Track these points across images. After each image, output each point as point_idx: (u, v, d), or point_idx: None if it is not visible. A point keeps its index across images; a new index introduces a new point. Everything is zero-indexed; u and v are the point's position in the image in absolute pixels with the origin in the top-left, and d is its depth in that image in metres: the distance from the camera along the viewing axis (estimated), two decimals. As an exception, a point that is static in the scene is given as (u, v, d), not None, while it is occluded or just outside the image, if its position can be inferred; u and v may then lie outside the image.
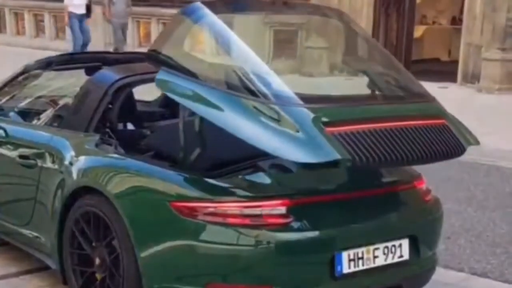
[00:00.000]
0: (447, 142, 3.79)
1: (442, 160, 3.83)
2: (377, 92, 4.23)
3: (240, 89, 3.59)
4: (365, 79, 4.22)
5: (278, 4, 4.91)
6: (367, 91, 4.13)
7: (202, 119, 3.80)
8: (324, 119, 3.45)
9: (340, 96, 3.99)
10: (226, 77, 3.74)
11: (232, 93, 3.57)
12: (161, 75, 3.74)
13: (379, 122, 3.60)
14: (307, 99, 3.59)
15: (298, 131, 3.38)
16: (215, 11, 3.91)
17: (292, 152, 3.35)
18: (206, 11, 3.88)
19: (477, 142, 4.02)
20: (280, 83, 3.64)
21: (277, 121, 3.42)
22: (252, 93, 3.55)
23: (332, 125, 3.43)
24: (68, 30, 18.12)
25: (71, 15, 16.53)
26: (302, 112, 3.48)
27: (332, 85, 4.53)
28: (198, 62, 3.95)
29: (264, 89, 3.56)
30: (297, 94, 3.57)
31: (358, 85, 4.20)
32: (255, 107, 3.48)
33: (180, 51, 4.00)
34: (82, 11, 16.65)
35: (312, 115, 3.45)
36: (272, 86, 3.59)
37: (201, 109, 3.64)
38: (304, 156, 3.34)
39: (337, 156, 3.31)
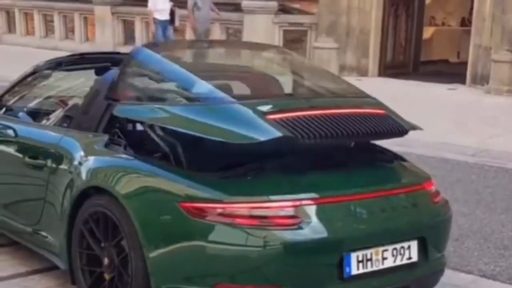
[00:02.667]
0: (387, 123, 4.07)
1: (385, 138, 4.11)
2: (318, 91, 4.77)
3: (190, 100, 4.16)
4: (309, 87, 4.91)
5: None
6: (309, 91, 4.80)
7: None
8: (264, 110, 3.86)
9: (279, 94, 4.65)
10: (176, 96, 4.29)
11: (186, 104, 4.12)
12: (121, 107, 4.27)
13: (318, 110, 3.98)
14: (248, 97, 4.20)
15: (244, 121, 3.77)
16: (156, 50, 4.71)
17: (242, 137, 3.69)
18: (149, 51, 4.66)
19: (419, 128, 4.29)
20: (219, 90, 4.12)
21: (224, 116, 3.85)
22: (200, 100, 4.08)
23: (272, 114, 3.83)
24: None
25: (155, 21, 15.50)
26: (244, 107, 3.89)
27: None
28: (151, 91, 4.50)
29: (208, 95, 4.06)
30: (237, 95, 4.12)
31: (300, 88, 4.94)
32: (208, 111, 3.94)
33: (136, 87, 4.57)
34: (166, 17, 15.53)
35: (252, 108, 3.86)
36: (213, 92, 4.08)
37: (164, 122, 4.06)
38: (253, 138, 3.65)
39: (279, 134, 3.64)
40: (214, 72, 4.88)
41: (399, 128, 4.10)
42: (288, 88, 4.82)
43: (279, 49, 5.49)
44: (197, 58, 5.31)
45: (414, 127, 4.22)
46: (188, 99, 4.18)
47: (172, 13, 15.55)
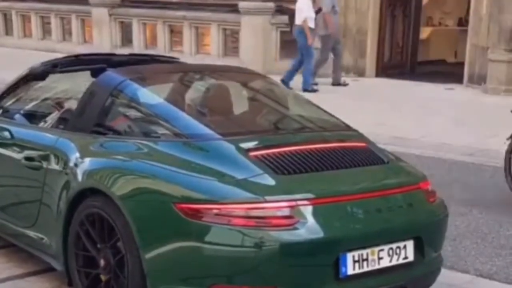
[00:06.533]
0: (367, 156, 4.24)
1: (363, 166, 4.16)
2: (301, 125, 4.83)
3: (171, 136, 4.19)
4: (293, 120, 4.95)
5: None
6: (293, 126, 4.84)
7: None
8: (246, 147, 3.98)
9: (263, 129, 4.69)
10: (162, 131, 4.28)
11: (170, 140, 4.15)
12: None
13: (301, 145, 4.10)
14: (233, 133, 4.23)
15: (229, 159, 3.89)
16: (129, 76, 4.58)
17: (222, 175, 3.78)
18: (135, 85, 4.54)
19: (400, 159, 4.51)
20: (203, 124, 4.26)
21: (208, 153, 3.95)
22: (182, 136, 4.12)
23: (254, 151, 3.96)
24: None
25: (311, 31, 13.61)
26: (229, 144, 4.01)
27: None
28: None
29: (190, 131, 4.14)
30: (222, 132, 4.14)
31: (284, 122, 4.95)
32: (188, 147, 4.02)
33: (121, 120, 4.54)
34: (313, 25, 13.78)
35: (236, 145, 3.98)
36: (195, 127, 4.21)
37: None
38: (236, 175, 3.76)
39: (260, 171, 3.77)
40: (199, 107, 4.91)
41: (378, 161, 4.27)
42: (272, 122, 4.89)
43: (265, 79, 5.44)
44: (182, 91, 5.16)
45: (391, 158, 4.39)
46: (174, 134, 4.19)
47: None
